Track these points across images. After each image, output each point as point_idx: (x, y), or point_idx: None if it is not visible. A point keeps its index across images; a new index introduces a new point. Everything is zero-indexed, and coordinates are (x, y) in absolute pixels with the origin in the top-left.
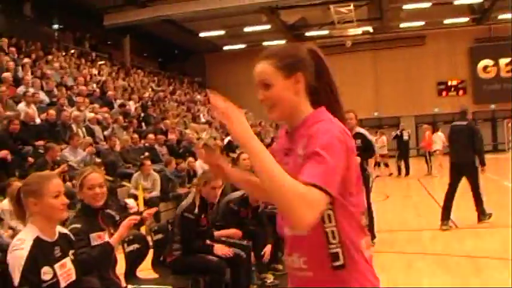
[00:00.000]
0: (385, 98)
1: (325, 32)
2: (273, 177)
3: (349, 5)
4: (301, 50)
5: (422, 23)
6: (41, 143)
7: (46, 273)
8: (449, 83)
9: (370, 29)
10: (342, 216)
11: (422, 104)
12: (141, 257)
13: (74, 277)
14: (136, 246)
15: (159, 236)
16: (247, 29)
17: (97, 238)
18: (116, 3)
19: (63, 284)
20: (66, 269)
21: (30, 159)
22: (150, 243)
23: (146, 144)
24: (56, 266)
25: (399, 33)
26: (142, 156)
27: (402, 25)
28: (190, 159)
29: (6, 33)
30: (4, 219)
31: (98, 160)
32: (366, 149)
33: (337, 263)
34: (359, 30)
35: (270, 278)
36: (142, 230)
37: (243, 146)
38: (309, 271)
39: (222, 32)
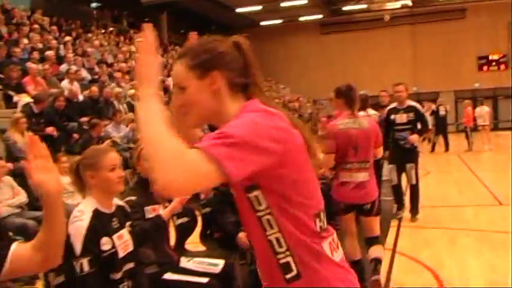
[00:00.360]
0: (424, 73)
1: (363, 6)
2: (154, 126)
3: None
4: (221, 44)
5: None
6: (85, 119)
7: (105, 243)
8: (490, 58)
9: (409, 2)
10: (286, 220)
11: (462, 79)
12: (190, 230)
13: (131, 248)
14: (185, 219)
15: (207, 209)
16: (284, 4)
17: (151, 211)
18: None
19: (121, 254)
20: (123, 240)
21: (75, 135)
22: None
23: None
24: (114, 236)
25: (439, 7)
26: None
27: None
28: None
29: (46, 13)
30: None
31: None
32: (418, 123)
33: (290, 275)
34: (398, 4)
35: None
36: None
37: (139, 85)
38: (267, 285)
39: (258, 7)
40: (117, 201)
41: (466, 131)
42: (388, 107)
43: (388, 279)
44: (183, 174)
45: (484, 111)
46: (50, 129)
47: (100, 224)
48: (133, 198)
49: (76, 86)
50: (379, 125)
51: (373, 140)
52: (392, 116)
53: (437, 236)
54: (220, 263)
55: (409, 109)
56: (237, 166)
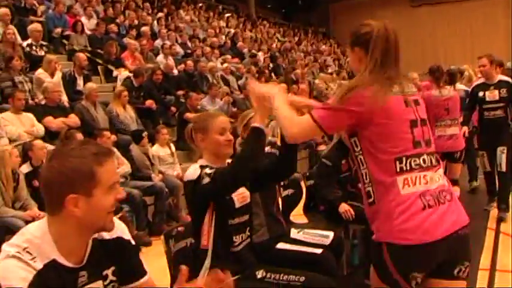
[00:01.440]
0: None
1: None
2: (282, 108)
3: None
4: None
5: None
6: (181, 92)
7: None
8: None
9: None
10: (370, 160)
11: None
12: (296, 201)
13: (248, 200)
14: (291, 191)
15: (311, 181)
16: None
17: None
18: None
19: (237, 204)
20: (240, 192)
21: (173, 109)
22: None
23: None
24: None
25: None
26: None
27: None
28: None
29: None
30: (155, 163)
31: (234, 109)
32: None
33: (370, 200)
34: None
35: None
36: None
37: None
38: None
39: None
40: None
41: None
42: (475, 83)
43: (493, 262)
44: (297, 129)
45: None
46: (150, 102)
47: None
48: None
49: (171, 60)
50: (463, 101)
51: (459, 104)
52: (480, 93)
53: None
54: (330, 234)
55: (501, 84)
56: (328, 123)
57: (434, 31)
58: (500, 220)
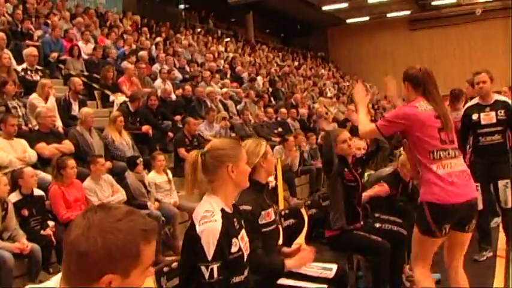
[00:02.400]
0: None
1: (453, 0)
2: (362, 117)
3: None
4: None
5: None
6: (178, 117)
7: (234, 244)
8: None
9: None
10: (416, 151)
11: None
12: (297, 231)
13: (249, 249)
14: (292, 220)
15: (313, 210)
16: (371, 1)
17: (266, 216)
18: None
19: (245, 256)
20: (245, 241)
21: (170, 134)
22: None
23: (278, 119)
24: (239, 237)
25: None
26: (276, 131)
27: None
28: (323, 133)
29: (137, 14)
30: (151, 191)
31: (233, 134)
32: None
33: (419, 174)
34: None
35: None
36: None
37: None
38: None
39: (345, 5)
40: None
41: None
42: (468, 104)
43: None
44: (366, 130)
45: None
46: (146, 128)
47: (229, 225)
48: (246, 207)
49: (169, 85)
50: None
51: None
52: (474, 116)
53: None
54: (333, 267)
55: (498, 105)
56: (385, 129)
57: (433, 53)
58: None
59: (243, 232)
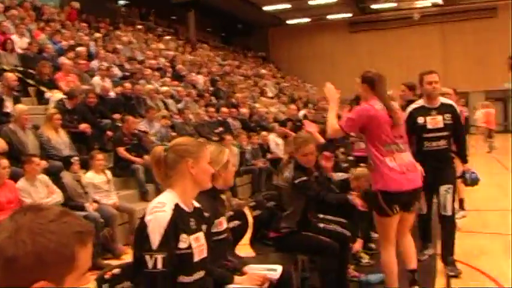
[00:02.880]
0: (454, 73)
1: (392, 5)
2: (331, 118)
3: None
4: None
5: None
6: (117, 116)
7: (183, 241)
8: None
9: (439, 0)
10: (371, 145)
11: (492, 79)
12: (242, 233)
13: (205, 254)
14: (237, 222)
15: (258, 211)
16: (312, 2)
17: (218, 225)
18: None
19: (196, 257)
20: (200, 243)
21: (109, 133)
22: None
23: (219, 118)
24: (192, 237)
25: (469, 5)
26: (216, 130)
27: None
28: (264, 133)
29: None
30: (88, 192)
31: (173, 133)
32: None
33: (372, 166)
34: (427, 3)
35: (365, 258)
36: None
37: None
38: None
39: (287, 6)
40: (195, 202)
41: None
42: (411, 107)
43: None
44: (330, 129)
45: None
46: (84, 126)
47: (180, 220)
48: (205, 214)
49: (108, 82)
50: None
51: None
52: (420, 119)
53: (491, 241)
54: (278, 268)
55: (444, 108)
56: (346, 126)
57: (371, 56)
58: (450, 274)
59: (200, 234)
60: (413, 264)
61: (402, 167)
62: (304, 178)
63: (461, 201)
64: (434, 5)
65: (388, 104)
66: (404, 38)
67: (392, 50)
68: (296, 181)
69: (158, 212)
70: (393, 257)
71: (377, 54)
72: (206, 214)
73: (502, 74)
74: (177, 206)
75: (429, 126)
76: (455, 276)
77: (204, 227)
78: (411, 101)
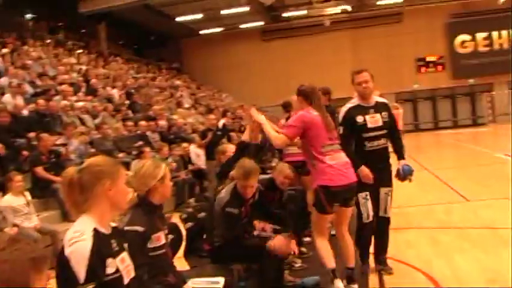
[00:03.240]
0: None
1: (303, 12)
2: (268, 130)
3: None
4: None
5: (399, 0)
6: (32, 134)
7: (110, 266)
8: (427, 59)
9: (348, 7)
10: (309, 146)
11: (402, 81)
12: (177, 247)
13: (133, 274)
14: (171, 236)
15: (189, 224)
16: (224, 12)
17: (155, 240)
18: None
19: (126, 279)
20: (126, 264)
21: (25, 153)
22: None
23: (138, 132)
24: (117, 259)
25: (377, 11)
26: (136, 144)
27: (380, 2)
28: (185, 144)
29: None
30: (7, 216)
31: (92, 150)
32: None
33: (311, 166)
34: (337, 9)
35: (298, 262)
36: None
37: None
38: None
39: (199, 16)
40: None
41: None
42: (347, 106)
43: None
44: (277, 141)
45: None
46: None
47: (102, 245)
48: (139, 228)
49: (20, 100)
50: None
51: None
52: (359, 118)
53: (416, 236)
54: (221, 280)
55: (380, 107)
56: (291, 133)
57: (286, 63)
58: (383, 273)
59: (124, 255)
60: (351, 262)
61: (339, 165)
62: (235, 212)
63: None
64: (344, 12)
65: (323, 111)
66: (316, 44)
67: (306, 56)
68: (226, 209)
69: (77, 241)
70: (327, 243)
71: (291, 61)
72: (141, 229)
73: (410, 76)
74: (95, 231)
75: (370, 125)
76: (389, 272)
77: (125, 245)
78: (327, 106)
